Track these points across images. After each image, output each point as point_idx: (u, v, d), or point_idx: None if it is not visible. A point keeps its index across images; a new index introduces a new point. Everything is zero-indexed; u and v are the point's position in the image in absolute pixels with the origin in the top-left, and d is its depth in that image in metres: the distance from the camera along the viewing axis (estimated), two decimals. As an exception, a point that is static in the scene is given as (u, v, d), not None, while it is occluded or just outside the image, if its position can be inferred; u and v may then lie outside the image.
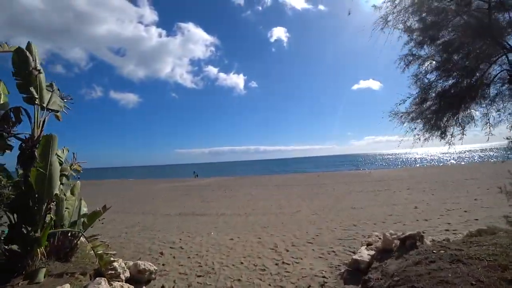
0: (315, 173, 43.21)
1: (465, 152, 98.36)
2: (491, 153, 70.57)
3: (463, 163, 45.88)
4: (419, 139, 5.04)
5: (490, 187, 13.60)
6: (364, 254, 4.86)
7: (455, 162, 49.54)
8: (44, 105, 4.98)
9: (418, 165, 48.48)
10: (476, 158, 58.31)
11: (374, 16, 4.80)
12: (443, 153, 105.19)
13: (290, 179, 30.72)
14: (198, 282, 4.95)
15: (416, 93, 5.04)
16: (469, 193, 13.05)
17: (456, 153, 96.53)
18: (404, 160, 79.39)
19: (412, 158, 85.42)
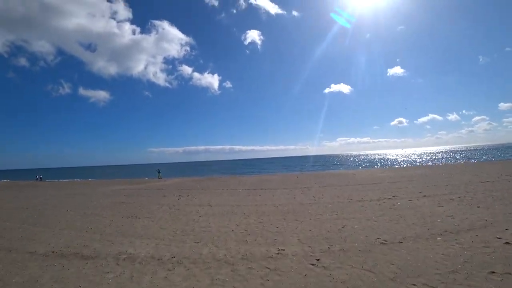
0: (293, 173, 39.61)
1: (421, 154, 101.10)
2: (445, 155, 71.33)
3: (440, 163, 44.30)
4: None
5: None
6: None
7: (431, 164, 47.95)
8: None
9: (397, 166, 46.26)
10: (443, 159, 57.91)
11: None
12: (406, 155, 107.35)
13: (264, 181, 26.68)
14: None
15: None
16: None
17: (416, 155, 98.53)
18: (379, 160, 78.19)
19: (386, 159, 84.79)
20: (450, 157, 64.54)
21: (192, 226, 9.33)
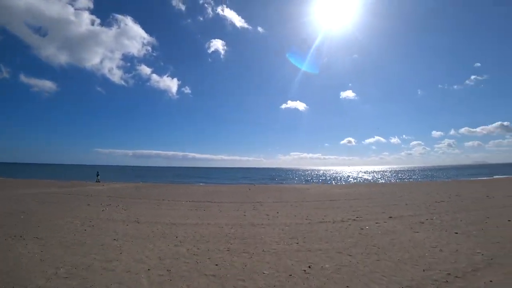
0: (245, 185, 37.25)
1: (368, 172, 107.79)
2: (390, 174, 76.11)
3: (390, 181, 45.77)
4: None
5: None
6: None
7: (382, 181, 49.48)
8: None
9: (351, 182, 46.66)
10: (391, 177, 60.92)
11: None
12: (356, 172, 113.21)
13: (214, 192, 23.83)
14: None
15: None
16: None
17: (363, 172, 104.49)
18: (331, 176, 79.90)
19: (337, 175, 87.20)
20: (395, 176, 68.10)
21: (92, 258, 6.26)
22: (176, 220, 11.12)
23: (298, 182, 47.63)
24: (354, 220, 10.76)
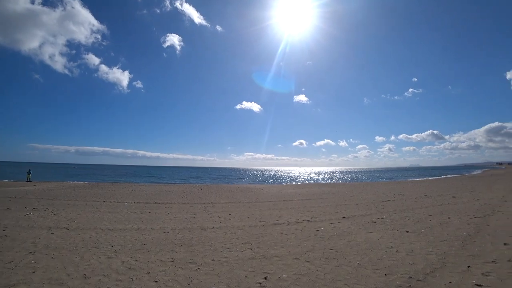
0: (197, 184, 35.79)
1: (319, 173, 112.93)
2: (338, 175, 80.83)
3: (339, 182, 47.89)
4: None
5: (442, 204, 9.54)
6: None
7: (331, 182, 51.61)
8: None
9: (303, 183, 47.75)
10: (340, 179, 64.24)
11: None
12: (308, 172, 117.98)
13: (163, 192, 22.20)
14: None
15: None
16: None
17: (314, 173, 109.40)
18: (284, 176, 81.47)
19: (290, 175, 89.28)
20: (344, 177, 71.77)
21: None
22: (114, 225, 9.73)
23: (251, 182, 47.37)
24: (308, 221, 10.46)
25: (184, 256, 6.13)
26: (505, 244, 6.73)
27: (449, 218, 10.36)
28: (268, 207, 14.41)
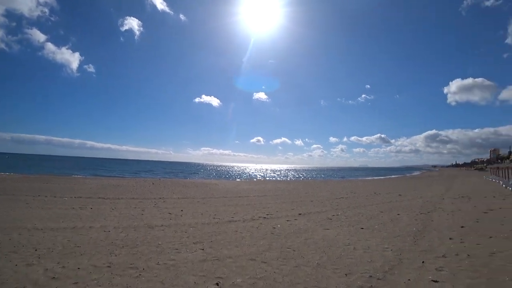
0: (150, 178, 33.78)
1: (275, 170, 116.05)
2: (294, 173, 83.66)
3: (294, 179, 48.96)
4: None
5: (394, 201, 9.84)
6: None
7: (287, 179, 52.59)
8: None
9: (259, 179, 47.85)
10: (295, 176, 66.06)
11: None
12: (264, 169, 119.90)
13: (109, 186, 20.34)
14: None
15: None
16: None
17: (270, 170, 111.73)
18: (240, 172, 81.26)
19: (246, 171, 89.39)
20: (299, 175, 73.79)
21: None
22: (45, 223, 8.36)
23: (207, 177, 46.22)
24: (265, 218, 10.09)
25: (124, 260, 5.27)
26: (450, 238, 6.99)
27: (398, 214, 10.75)
28: (223, 203, 13.81)
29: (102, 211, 10.60)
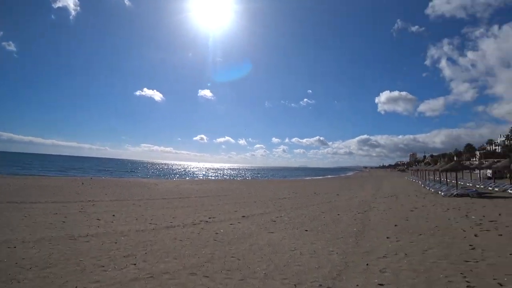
0: (79, 177, 30.13)
1: (217, 169, 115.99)
2: (235, 172, 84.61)
3: (236, 179, 48.87)
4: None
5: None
6: None
7: (229, 178, 52.32)
8: None
9: (200, 178, 46.56)
10: (238, 175, 66.36)
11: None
12: (205, 168, 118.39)
13: (26, 188, 17.39)
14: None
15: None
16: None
17: (213, 169, 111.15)
18: (181, 171, 78.30)
19: (188, 170, 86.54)
20: (242, 174, 74.06)
21: None
22: None
23: (145, 176, 43.21)
24: (206, 222, 9.45)
25: (29, 287, 4.13)
26: (387, 237, 7.30)
27: (338, 214, 11.09)
28: (161, 206, 12.74)
29: (9, 220, 8.70)
